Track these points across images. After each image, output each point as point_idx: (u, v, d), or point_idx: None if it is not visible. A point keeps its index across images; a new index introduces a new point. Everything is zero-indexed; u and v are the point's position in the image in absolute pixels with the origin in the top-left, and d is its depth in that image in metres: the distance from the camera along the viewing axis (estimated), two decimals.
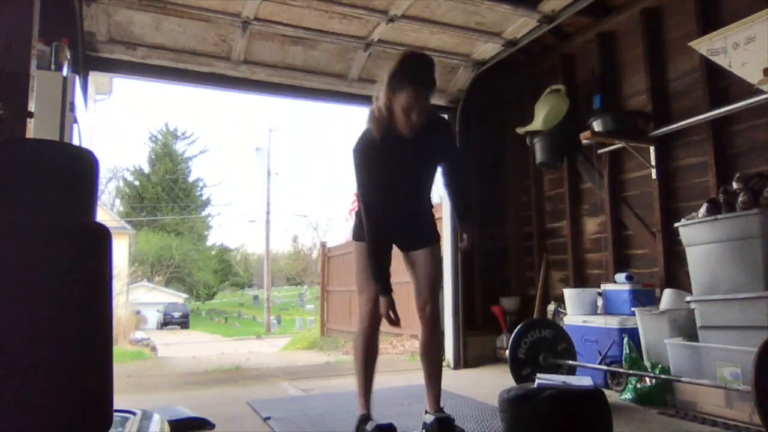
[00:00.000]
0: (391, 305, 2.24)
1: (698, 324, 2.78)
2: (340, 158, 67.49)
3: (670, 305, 3.16)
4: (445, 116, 4.86)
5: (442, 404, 2.41)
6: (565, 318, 3.88)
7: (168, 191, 35.43)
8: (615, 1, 4.01)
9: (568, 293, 3.91)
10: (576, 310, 3.79)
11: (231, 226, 65.71)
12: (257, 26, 3.81)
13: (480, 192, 4.90)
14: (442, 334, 4.75)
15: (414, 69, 2.17)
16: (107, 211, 22.80)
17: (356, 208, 2.44)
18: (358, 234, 2.41)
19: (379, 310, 2.26)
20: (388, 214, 2.34)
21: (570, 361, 3.27)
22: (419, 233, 2.46)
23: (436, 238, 2.51)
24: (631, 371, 3.08)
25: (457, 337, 4.65)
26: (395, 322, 2.25)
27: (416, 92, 2.14)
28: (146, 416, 2.27)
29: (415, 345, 6.97)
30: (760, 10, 2.84)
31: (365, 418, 2.31)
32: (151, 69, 3.95)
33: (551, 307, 4.47)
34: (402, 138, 2.26)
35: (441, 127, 2.43)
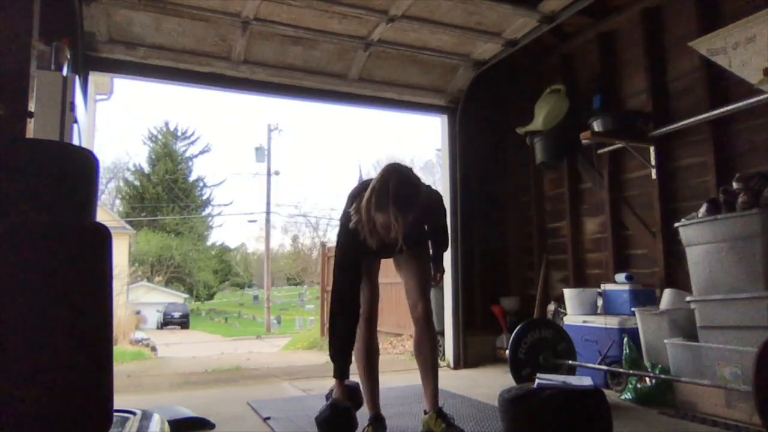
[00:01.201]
0: (344, 393, 2.22)
1: (698, 324, 2.78)
2: (340, 158, 67.53)
3: (670, 305, 3.16)
4: (445, 116, 4.88)
5: (441, 404, 2.40)
6: (565, 318, 3.88)
7: (168, 191, 35.42)
8: (615, 1, 4.01)
9: (568, 293, 3.91)
10: (576, 310, 3.79)
11: (231, 226, 65.68)
12: (257, 26, 3.81)
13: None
14: (441, 333, 4.75)
15: (396, 191, 2.04)
16: (107, 211, 22.76)
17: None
18: (341, 241, 2.35)
19: (334, 396, 2.24)
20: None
21: (570, 361, 3.27)
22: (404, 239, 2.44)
23: (421, 241, 2.50)
24: (631, 371, 3.08)
25: (457, 337, 4.65)
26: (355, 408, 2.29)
27: (396, 216, 2.02)
28: (146, 416, 2.27)
29: None
30: (760, 10, 2.84)
31: (373, 418, 2.32)
32: (151, 69, 3.95)
33: (551, 307, 4.47)
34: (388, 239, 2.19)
35: (431, 204, 2.38)
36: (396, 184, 2.05)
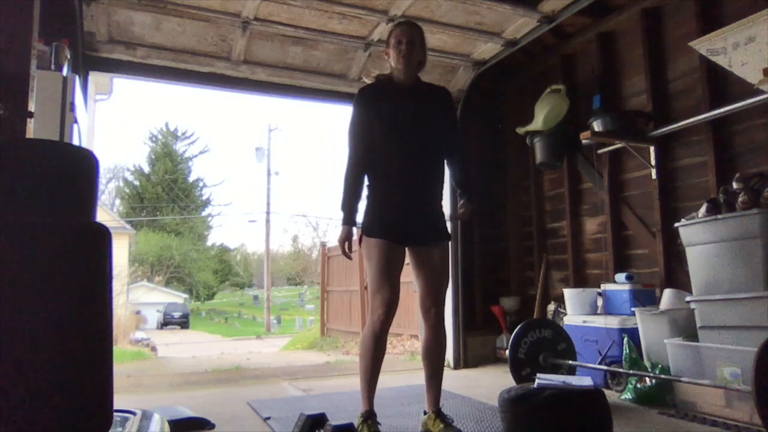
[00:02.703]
0: (349, 236, 2.37)
1: (698, 324, 2.78)
2: (341, 158, 67.48)
3: (670, 305, 3.16)
4: None
5: (441, 404, 2.41)
6: (565, 318, 3.88)
7: (168, 191, 35.43)
8: (615, 1, 4.01)
9: (568, 293, 3.91)
10: (576, 310, 3.79)
11: (231, 226, 65.73)
12: (257, 26, 3.81)
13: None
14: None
15: (402, 21, 2.66)
16: (107, 211, 22.77)
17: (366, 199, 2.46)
18: (368, 228, 2.37)
19: (337, 238, 2.40)
20: (396, 174, 2.37)
21: (570, 361, 3.27)
22: (431, 225, 2.42)
23: (448, 236, 2.49)
24: (631, 371, 3.08)
25: (457, 337, 4.65)
26: (348, 254, 2.38)
27: (401, 29, 2.46)
28: (146, 416, 2.27)
29: (416, 345, 6.99)
30: (760, 10, 2.84)
31: (369, 414, 2.31)
32: (151, 69, 3.95)
33: (551, 307, 4.47)
34: (402, 85, 2.45)
35: (442, 93, 2.56)
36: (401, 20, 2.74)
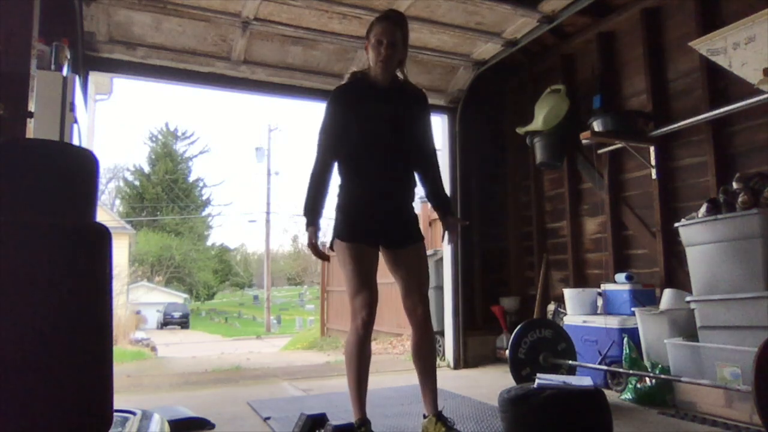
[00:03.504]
0: (316, 233, 2.28)
1: (698, 324, 2.78)
2: None
3: (670, 305, 3.16)
4: (445, 116, 4.88)
5: (441, 406, 2.35)
6: (565, 318, 3.88)
7: (168, 191, 35.45)
8: (615, 1, 4.01)
9: (568, 293, 3.91)
10: (576, 310, 3.79)
11: (231, 226, 65.73)
12: (257, 26, 3.81)
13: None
14: (441, 333, 4.76)
15: (384, 13, 2.45)
16: (107, 211, 22.77)
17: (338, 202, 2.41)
18: (340, 232, 2.34)
19: (306, 242, 2.32)
20: (370, 177, 2.34)
21: (570, 361, 3.27)
22: (405, 229, 2.40)
23: (421, 237, 2.45)
24: (631, 371, 3.08)
25: (457, 337, 4.65)
26: (323, 255, 2.31)
27: (383, 26, 2.33)
28: (146, 416, 2.27)
29: None
30: (760, 10, 2.83)
31: (363, 422, 2.28)
32: (151, 69, 3.95)
33: (551, 307, 4.47)
34: (379, 86, 2.37)
35: (419, 96, 2.48)
36: (385, 11, 2.49)
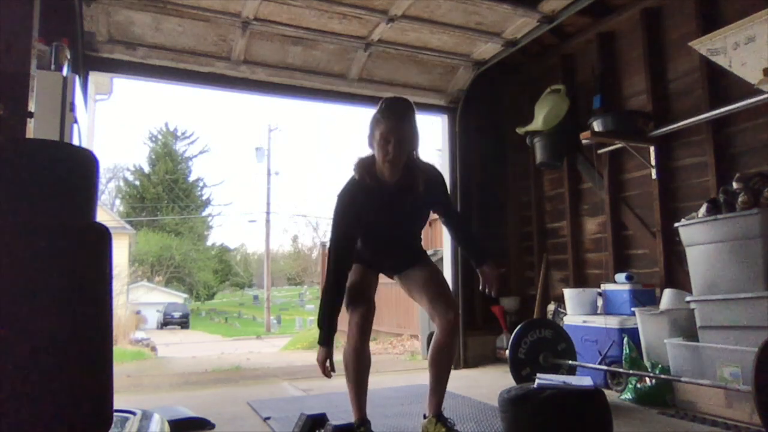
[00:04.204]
0: (328, 356, 2.21)
1: (698, 324, 2.78)
2: (340, 158, 67.56)
3: (670, 305, 3.16)
4: (445, 116, 4.88)
5: (443, 408, 2.37)
6: (565, 318, 3.88)
7: (168, 191, 35.45)
8: (615, 1, 4.01)
9: (568, 293, 3.91)
10: (576, 310, 3.79)
11: (231, 226, 65.73)
12: (257, 26, 3.81)
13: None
14: None
15: (389, 105, 2.24)
16: (107, 211, 22.77)
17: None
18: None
19: (316, 358, 2.25)
20: (374, 252, 2.39)
21: (570, 361, 3.27)
22: (409, 259, 2.45)
23: (425, 256, 2.50)
24: (631, 371, 3.08)
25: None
26: (328, 374, 2.24)
27: (390, 124, 2.18)
28: (146, 416, 2.27)
29: (416, 345, 6.98)
30: (760, 10, 2.83)
31: (363, 422, 2.30)
32: (151, 69, 3.95)
33: (551, 307, 4.47)
34: (387, 185, 2.26)
35: (431, 178, 2.37)
36: (389, 100, 2.28)
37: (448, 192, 2.53)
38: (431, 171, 2.39)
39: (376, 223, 2.31)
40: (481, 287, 2.48)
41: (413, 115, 2.26)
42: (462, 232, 2.57)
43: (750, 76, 2.87)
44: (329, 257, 2.31)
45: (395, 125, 2.19)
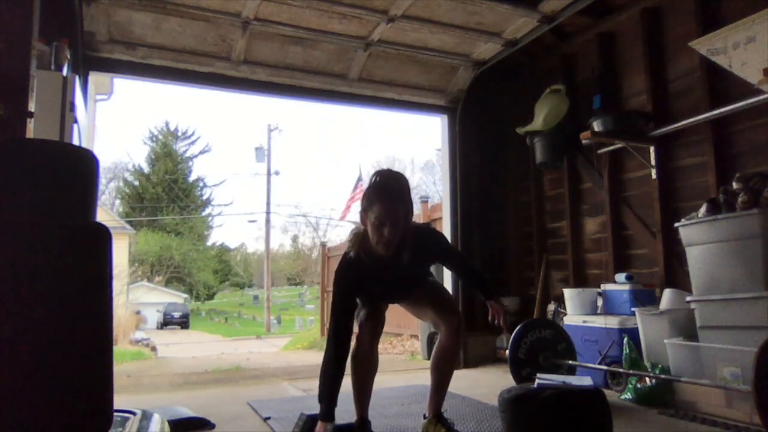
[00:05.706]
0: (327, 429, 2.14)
1: (698, 324, 2.78)
2: (340, 158, 67.55)
3: (670, 305, 3.16)
4: (445, 116, 4.89)
5: (444, 409, 2.39)
6: (565, 318, 3.88)
7: (168, 191, 35.42)
8: (615, 1, 4.01)
9: (568, 293, 3.91)
10: (576, 310, 3.79)
11: (231, 226, 65.68)
12: (257, 26, 3.81)
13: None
14: None
15: (382, 186, 2.17)
16: (107, 211, 22.76)
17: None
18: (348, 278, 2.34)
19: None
20: (381, 299, 2.38)
21: (570, 361, 3.27)
22: (414, 289, 2.44)
23: (426, 273, 2.49)
24: (631, 371, 3.08)
25: None
26: None
27: (384, 207, 2.10)
28: (146, 416, 2.27)
29: (415, 345, 6.97)
30: (760, 10, 2.83)
31: (363, 422, 2.30)
32: (151, 69, 3.95)
33: (551, 307, 4.47)
34: (383, 259, 2.19)
35: (428, 242, 2.36)
36: (382, 177, 2.20)
37: (450, 248, 2.57)
38: (427, 237, 2.40)
39: (377, 290, 2.32)
40: (490, 319, 2.49)
41: (407, 192, 2.20)
42: (469, 279, 2.64)
43: (750, 76, 2.87)
44: (330, 335, 2.26)
45: (389, 208, 2.11)
